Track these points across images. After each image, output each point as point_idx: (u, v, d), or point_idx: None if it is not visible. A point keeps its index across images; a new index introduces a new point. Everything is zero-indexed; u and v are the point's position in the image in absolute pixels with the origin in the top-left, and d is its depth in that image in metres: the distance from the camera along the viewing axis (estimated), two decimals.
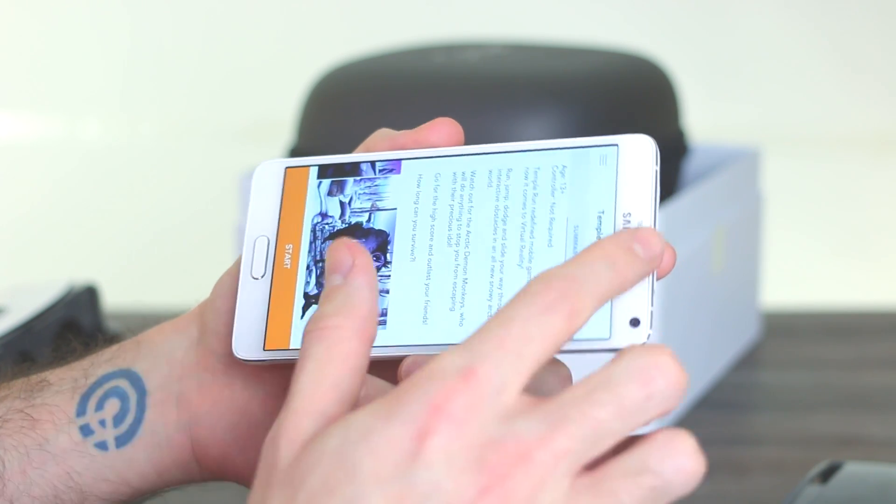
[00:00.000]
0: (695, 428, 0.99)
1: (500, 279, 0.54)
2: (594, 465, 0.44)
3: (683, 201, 1.00)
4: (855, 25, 1.98)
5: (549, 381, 0.52)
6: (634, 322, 0.51)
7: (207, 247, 1.67)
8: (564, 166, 0.54)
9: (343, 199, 0.57)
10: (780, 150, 1.61)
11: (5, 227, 2.02)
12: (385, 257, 0.56)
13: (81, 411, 0.58)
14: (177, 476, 0.60)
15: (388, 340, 0.54)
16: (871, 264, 2.01)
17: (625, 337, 0.51)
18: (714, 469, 0.93)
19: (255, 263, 0.57)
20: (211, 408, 0.58)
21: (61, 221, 2.01)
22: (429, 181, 0.56)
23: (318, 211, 0.57)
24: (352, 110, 1.05)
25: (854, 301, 1.44)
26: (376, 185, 0.57)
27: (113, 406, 0.59)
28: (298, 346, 0.54)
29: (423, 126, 0.58)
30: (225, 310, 0.58)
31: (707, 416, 1.02)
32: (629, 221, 0.53)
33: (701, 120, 1.39)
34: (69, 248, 1.99)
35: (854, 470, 0.74)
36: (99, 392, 0.59)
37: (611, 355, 0.47)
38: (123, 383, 0.59)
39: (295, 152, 1.07)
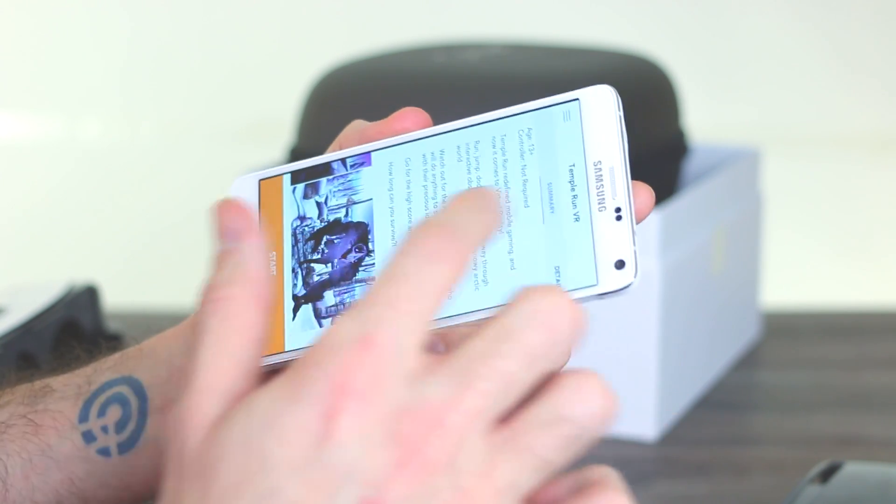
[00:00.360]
0: (695, 428, 1.00)
1: (482, 248, 0.54)
2: (506, 417, 0.43)
3: (683, 201, 1.00)
4: (855, 26, 1.97)
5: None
6: (619, 264, 0.51)
7: (207, 247, 1.66)
8: (530, 128, 0.55)
9: (319, 200, 0.58)
10: (780, 150, 1.61)
11: (5, 227, 2.02)
12: (367, 247, 0.56)
13: (84, 417, 0.59)
14: None
15: None
16: (871, 264, 2.01)
17: (612, 280, 0.51)
18: (714, 469, 0.93)
19: None
20: None
21: (61, 221, 2.01)
22: (400, 167, 0.57)
23: (297, 215, 0.58)
24: (352, 110, 1.04)
25: (854, 301, 1.44)
26: (349, 181, 0.57)
27: (115, 412, 0.59)
28: (294, 348, 0.54)
29: (390, 116, 0.58)
30: None
31: (707, 416, 1.02)
32: (600, 169, 0.53)
33: (701, 120, 1.39)
34: (69, 248, 1.99)
35: (854, 470, 0.74)
36: (101, 398, 0.59)
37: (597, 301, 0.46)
38: (125, 390, 0.59)
39: (295, 152, 1.07)
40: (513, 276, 0.53)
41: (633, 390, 0.97)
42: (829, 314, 1.24)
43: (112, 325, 0.95)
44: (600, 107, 0.54)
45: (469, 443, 0.42)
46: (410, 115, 0.58)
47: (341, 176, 0.58)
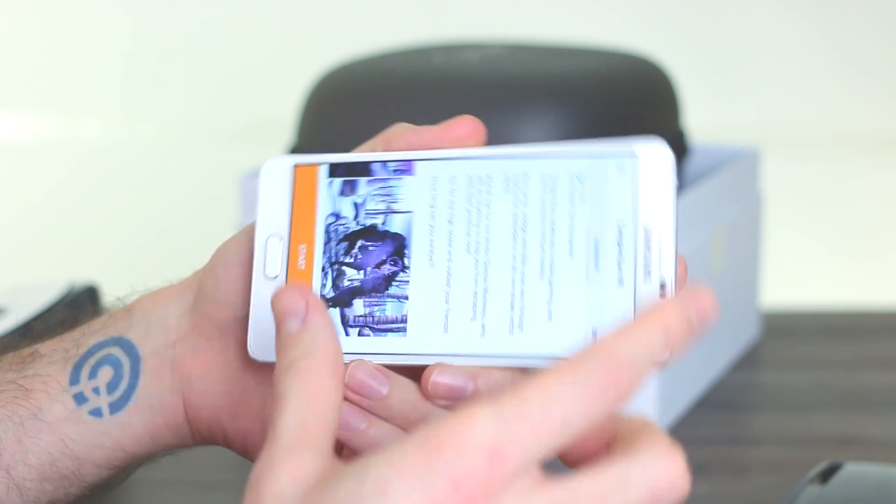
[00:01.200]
0: (695, 428, 0.99)
1: (522, 290, 0.53)
2: None
3: (683, 201, 1.00)
4: (855, 26, 1.97)
5: None
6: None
7: (207, 247, 1.66)
8: (583, 174, 0.54)
9: (357, 200, 0.56)
10: (780, 150, 1.61)
11: (5, 227, 2.02)
12: (403, 262, 0.55)
13: (75, 380, 0.59)
14: (170, 439, 0.60)
15: (409, 348, 0.54)
16: (871, 264, 2.01)
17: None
18: (714, 469, 0.93)
19: (269, 263, 0.57)
20: (204, 372, 0.59)
21: (61, 221, 2.01)
22: (444, 184, 0.55)
23: (331, 211, 0.56)
24: (352, 110, 1.05)
25: (854, 301, 1.44)
26: (390, 187, 0.56)
27: (106, 373, 0.59)
28: None
29: (446, 122, 0.58)
30: (226, 278, 0.58)
31: (707, 416, 1.02)
32: (650, 235, 0.52)
33: (701, 120, 1.39)
34: (69, 248, 1.99)
35: (854, 470, 0.74)
36: (91, 360, 0.59)
37: None
38: (116, 351, 0.60)
39: (295, 152, 1.07)
40: (549, 327, 0.53)
41: None
42: (828, 314, 1.24)
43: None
44: (657, 168, 0.53)
45: None
46: (467, 122, 0.58)
47: (382, 179, 0.56)
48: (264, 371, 0.58)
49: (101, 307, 0.94)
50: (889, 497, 0.71)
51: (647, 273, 0.52)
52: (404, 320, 0.55)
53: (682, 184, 1.10)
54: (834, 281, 1.98)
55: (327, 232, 0.56)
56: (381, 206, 0.56)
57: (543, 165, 0.54)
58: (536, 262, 0.54)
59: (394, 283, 0.55)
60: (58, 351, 0.61)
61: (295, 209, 0.57)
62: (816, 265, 1.99)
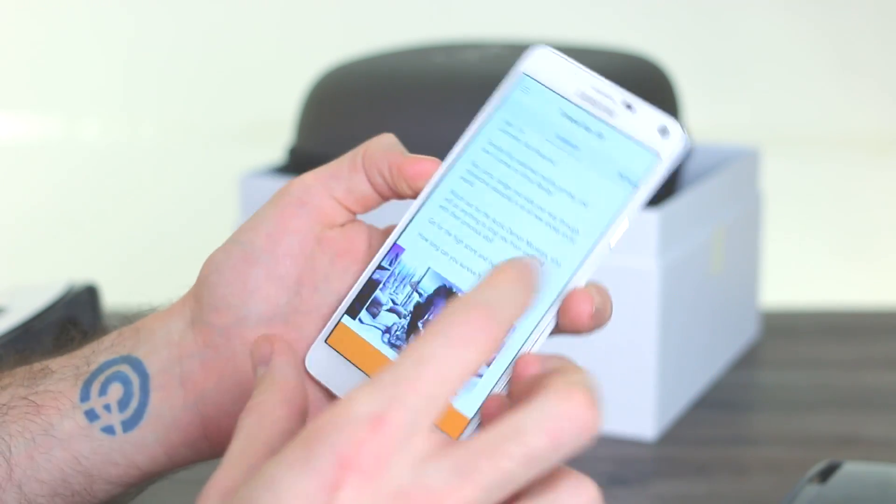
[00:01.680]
0: (695, 428, 1.00)
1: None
2: None
3: (683, 201, 1.01)
4: (854, 26, 1.98)
5: None
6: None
7: (207, 247, 1.66)
8: (507, 122, 0.60)
9: (389, 307, 0.58)
10: (780, 150, 1.61)
11: (5, 227, 2.02)
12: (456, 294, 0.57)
13: (85, 396, 0.59)
14: (186, 455, 0.61)
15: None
16: (871, 264, 2.01)
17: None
18: (713, 469, 0.93)
19: None
20: (216, 384, 0.59)
21: (61, 221, 2.01)
22: (432, 231, 0.58)
23: (381, 332, 0.58)
24: (352, 110, 1.05)
25: (854, 301, 1.44)
26: (399, 273, 0.58)
27: (116, 391, 0.59)
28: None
29: (411, 158, 0.59)
30: (219, 283, 0.59)
31: (707, 416, 1.02)
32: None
33: (701, 120, 1.39)
34: (69, 248, 1.99)
35: (853, 470, 0.74)
36: (101, 377, 0.60)
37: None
38: (125, 368, 0.60)
39: (295, 152, 1.07)
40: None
41: (633, 390, 0.97)
42: (828, 314, 1.24)
43: (112, 325, 0.95)
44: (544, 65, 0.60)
45: None
46: (429, 164, 0.59)
47: (389, 277, 0.58)
48: None
49: (100, 312, 0.94)
50: (888, 497, 0.71)
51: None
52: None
53: (682, 184, 1.10)
54: (834, 281, 1.98)
55: (391, 346, 0.58)
56: (408, 290, 0.58)
57: (478, 142, 0.59)
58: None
59: None
60: (68, 367, 0.61)
61: (357, 365, 0.58)
62: (816, 265, 1.99)
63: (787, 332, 1.19)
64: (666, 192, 1.05)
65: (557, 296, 0.55)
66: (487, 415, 0.53)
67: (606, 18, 1.98)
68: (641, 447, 0.97)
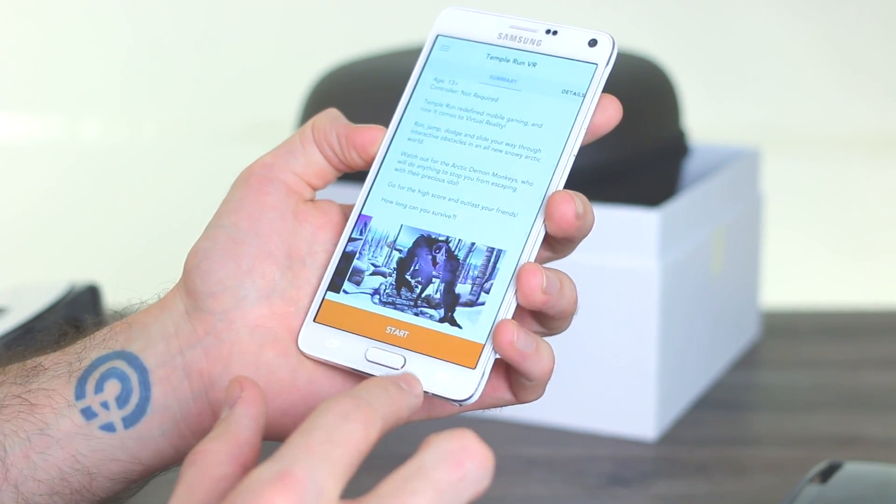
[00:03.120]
0: (695, 428, 1.00)
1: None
2: None
3: (683, 201, 1.01)
4: (855, 26, 1.98)
5: None
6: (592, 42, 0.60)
7: None
8: (437, 79, 0.62)
9: (368, 269, 0.59)
10: (780, 150, 1.61)
11: (5, 227, 2.02)
12: (441, 237, 0.58)
13: (80, 394, 0.59)
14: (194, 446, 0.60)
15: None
16: (871, 264, 2.01)
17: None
18: (714, 469, 0.94)
19: None
20: (223, 369, 0.59)
21: (61, 221, 2.01)
22: (394, 192, 0.60)
23: (371, 293, 0.59)
24: (352, 110, 1.04)
25: (853, 301, 1.44)
26: (373, 239, 0.59)
27: (113, 387, 0.59)
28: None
29: (358, 127, 0.62)
30: (212, 268, 0.59)
31: (707, 416, 1.02)
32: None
33: (701, 120, 1.39)
34: (70, 247, 1.99)
35: (853, 470, 0.74)
36: (95, 374, 0.59)
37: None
38: (121, 364, 0.59)
39: None
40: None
41: (633, 390, 0.97)
42: (828, 314, 1.24)
43: (105, 322, 0.95)
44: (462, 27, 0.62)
45: None
46: (374, 131, 0.62)
47: (363, 245, 0.59)
48: (279, 345, 0.59)
49: (102, 311, 0.94)
50: (888, 497, 0.71)
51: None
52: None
53: (682, 184, 1.10)
54: (834, 281, 1.98)
55: (383, 304, 0.59)
56: (386, 251, 0.59)
57: (413, 104, 0.62)
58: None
59: (457, 255, 0.59)
60: (61, 364, 0.60)
61: (352, 333, 0.59)
62: (816, 265, 1.99)
63: (787, 332, 1.19)
64: (666, 192, 1.05)
65: (540, 206, 0.57)
66: (500, 342, 0.55)
67: (607, 19, 1.98)
68: (642, 447, 0.97)
